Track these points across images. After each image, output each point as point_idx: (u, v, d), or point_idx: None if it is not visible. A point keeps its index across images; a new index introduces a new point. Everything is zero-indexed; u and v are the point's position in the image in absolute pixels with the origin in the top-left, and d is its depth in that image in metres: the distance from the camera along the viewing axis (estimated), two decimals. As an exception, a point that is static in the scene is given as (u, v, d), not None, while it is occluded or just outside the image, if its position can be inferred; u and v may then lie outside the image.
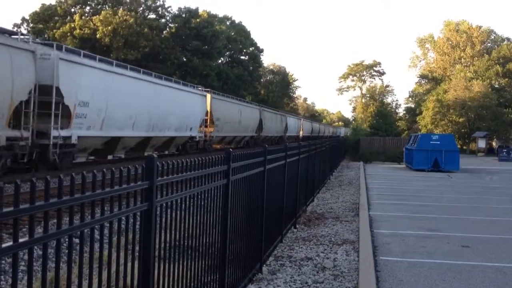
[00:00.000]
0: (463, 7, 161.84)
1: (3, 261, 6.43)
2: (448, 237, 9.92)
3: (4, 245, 2.09)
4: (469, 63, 71.30)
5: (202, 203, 4.64)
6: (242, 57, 74.89)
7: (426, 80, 76.37)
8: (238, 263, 5.98)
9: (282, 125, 59.00)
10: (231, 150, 5.52)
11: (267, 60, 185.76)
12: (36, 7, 61.35)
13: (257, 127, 48.20)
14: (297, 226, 10.93)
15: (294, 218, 10.79)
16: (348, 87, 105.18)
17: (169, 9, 62.78)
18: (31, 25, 54.39)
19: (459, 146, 40.51)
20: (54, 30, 52.30)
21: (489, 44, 73.41)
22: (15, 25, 54.27)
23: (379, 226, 10.90)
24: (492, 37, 73.87)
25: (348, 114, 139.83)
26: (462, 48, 71.82)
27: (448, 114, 57.63)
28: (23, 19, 55.21)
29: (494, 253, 8.67)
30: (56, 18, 54.63)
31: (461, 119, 57.99)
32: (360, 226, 10.55)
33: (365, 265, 7.37)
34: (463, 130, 59.43)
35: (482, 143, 53.67)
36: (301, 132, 71.63)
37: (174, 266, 3.95)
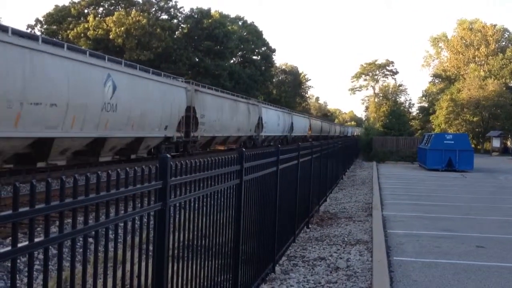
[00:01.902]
0: (476, 5, 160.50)
1: (19, 260, 6.50)
2: (462, 237, 9.84)
3: (20, 245, 2.10)
4: (483, 62, 70.66)
5: (215, 203, 4.64)
6: (254, 57, 74.89)
7: (440, 79, 75.83)
8: (251, 262, 5.98)
9: (287, 124, 52.85)
10: (244, 150, 5.52)
11: (279, 60, 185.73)
12: (50, 9, 61.84)
13: (256, 126, 42.10)
14: (310, 226, 10.91)
15: (307, 218, 10.77)
16: (360, 87, 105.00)
17: (181, 9, 62.97)
18: (45, 26, 54.87)
19: (473, 146, 40.18)
20: (68, 31, 52.72)
21: (503, 43, 72.72)
22: (29, 26, 54.83)
23: (392, 226, 10.84)
24: (506, 35, 73.18)
25: (361, 113, 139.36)
26: (476, 47, 71.20)
27: (462, 114, 57.19)
28: (37, 20, 55.73)
29: (509, 254, 8.58)
30: (70, 19, 55.06)
31: (475, 119, 57.51)
32: (374, 226, 10.50)
33: (379, 265, 7.34)
34: (477, 130, 58.93)
35: (496, 143, 53.16)
36: (309, 132, 65.73)
37: (187, 266, 3.96)
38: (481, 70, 65.50)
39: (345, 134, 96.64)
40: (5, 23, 19.59)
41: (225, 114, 34.82)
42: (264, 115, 44.98)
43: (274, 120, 49.20)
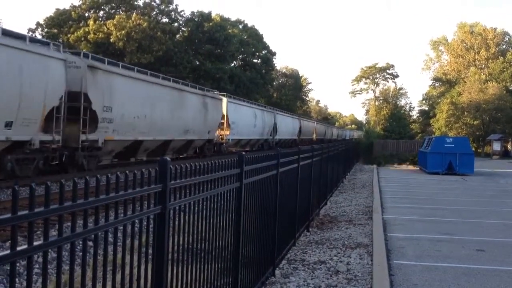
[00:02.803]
0: (476, 9, 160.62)
1: (18, 264, 6.49)
2: (463, 241, 9.83)
3: (19, 248, 2.10)
4: (483, 65, 70.70)
5: (215, 206, 4.64)
6: (255, 60, 74.97)
7: (440, 83, 75.85)
8: (251, 266, 5.97)
9: (267, 125, 53.68)
10: (243, 153, 5.52)
11: (280, 63, 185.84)
12: (51, 12, 61.92)
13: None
14: (310, 229, 10.90)
15: (307, 221, 10.76)
16: (361, 90, 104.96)
17: (182, 13, 63.02)
18: (46, 29, 54.96)
19: (473, 149, 40.14)
20: (69, 35, 52.79)
21: (503, 46, 72.76)
22: (30, 30, 54.93)
23: (393, 230, 10.83)
24: (506, 39, 73.22)
25: (361, 117, 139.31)
26: (476, 50, 71.24)
27: (463, 117, 57.19)
28: (38, 24, 55.84)
29: (510, 257, 8.56)
30: (70, 22, 55.14)
31: (475, 122, 57.50)
32: (374, 230, 10.49)
33: (379, 268, 7.33)
34: (477, 133, 58.91)
35: (497, 146, 53.12)
36: (314, 135, 69.77)
37: (187, 269, 3.95)
38: (482, 74, 65.49)
39: (343, 138, 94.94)
40: (5, 26, 19.63)
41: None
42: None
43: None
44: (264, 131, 44.99)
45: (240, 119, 37.91)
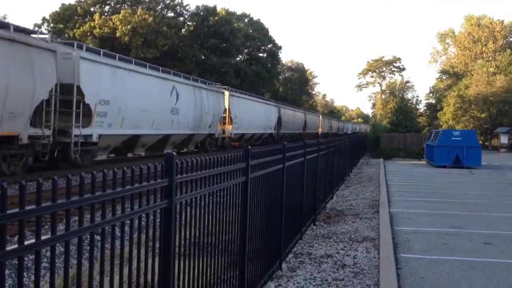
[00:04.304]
0: (483, 1, 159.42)
1: (26, 258, 6.53)
2: (470, 234, 9.80)
3: (27, 243, 2.12)
4: (491, 58, 70.18)
5: (221, 201, 4.65)
6: (260, 54, 74.83)
7: (447, 76, 75.42)
8: (258, 260, 5.98)
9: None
10: (249, 147, 5.52)
11: (286, 57, 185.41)
12: (57, 7, 62.02)
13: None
14: (317, 223, 10.90)
15: (313, 215, 10.76)
16: (367, 83, 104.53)
17: (187, 7, 62.89)
18: (52, 25, 55.06)
19: (481, 142, 39.93)
20: (74, 30, 52.87)
21: (511, 39, 72.19)
22: (36, 25, 55.04)
23: (399, 223, 10.81)
24: (514, 31, 72.64)
25: (368, 110, 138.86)
26: (484, 43, 70.73)
27: (470, 110, 56.84)
28: (44, 19, 55.96)
29: (517, 250, 8.54)
30: (76, 17, 55.21)
31: (483, 115, 57.16)
32: (381, 223, 10.47)
33: (386, 262, 7.32)
34: (485, 126, 58.58)
35: (504, 139, 52.79)
36: (320, 129, 69.10)
37: (194, 263, 3.97)
38: (489, 66, 65.01)
39: (345, 132, 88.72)
40: (12, 22, 19.39)
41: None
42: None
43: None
44: (268, 125, 44.55)
45: (243, 113, 37.25)
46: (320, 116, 74.11)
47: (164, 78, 25.21)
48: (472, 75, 63.50)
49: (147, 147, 24.61)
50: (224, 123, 34.01)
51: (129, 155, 23.91)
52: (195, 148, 30.90)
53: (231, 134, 35.02)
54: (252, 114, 39.54)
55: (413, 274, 6.97)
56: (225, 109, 33.73)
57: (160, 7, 60.00)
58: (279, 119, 47.48)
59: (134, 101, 21.55)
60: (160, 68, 26.13)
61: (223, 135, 33.62)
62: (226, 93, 34.63)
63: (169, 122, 25.20)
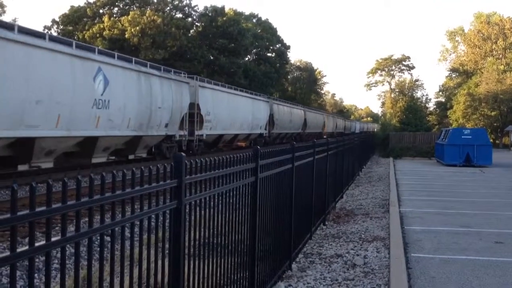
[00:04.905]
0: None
1: (37, 259, 6.58)
2: (481, 233, 9.74)
3: (37, 244, 2.13)
4: (501, 55, 69.69)
5: (231, 201, 4.65)
6: (269, 54, 74.75)
7: (457, 74, 75.00)
8: (268, 260, 5.98)
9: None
10: (258, 147, 5.52)
11: (294, 56, 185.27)
12: (66, 9, 62.36)
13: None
14: (326, 223, 10.88)
15: (323, 215, 10.74)
16: (376, 82, 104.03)
17: (195, 8, 63.07)
18: (61, 27, 55.38)
19: (491, 140, 39.68)
20: (84, 32, 53.17)
21: (521, 36, 71.63)
22: (46, 27, 55.38)
23: (410, 223, 10.76)
24: (524, 28, 72.03)
25: (377, 109, 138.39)
26: (493, 40, 70.24)
27: (480, 108, 56.48)
28: (53, 21, 56.28)
29: (529, 249, 8.47)
30: (85, 19, 55.49)
31: (493, 113, 56.78)
32: (391, 223, 10.43)
33: (396, 262, 7.29)
34: (495, 124, 58.18)
35: (515, 137, 52.43)
36: (324, 128, 61.86)
37: (203, 264, 3.97)
38: (499, 64, 64.53)
39: (352, 131, 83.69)
40: (21, 24, 18.94)
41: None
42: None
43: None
44: (256, 124, 36.62)
45: (220, 109, 29.45)
46: (324, 114, 67.59)
47: (81, 57, 17.07)
48: (482, 73, 63.06)
49: (56, 155, 16.97)
50: (192, 122, 26.25)
51: (21, 167, 15.42)
52: (148, 155, 23.47)
53: (202, 135, 27.13)
54: (233, 111, 31.64)
55: (423, 274, 6.94)
56: (193, 104, 25.98)
57: (168, 8, 60.17)
58: (271, 116, 40.32)
59: (18, 87, 14.06)
60: (74, 42, 18.04)
61: (190, 137, 25.90)
62: (193, 83, 26.76)
63: (91, 119, 17.47)
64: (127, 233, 3.11)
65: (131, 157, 21.56)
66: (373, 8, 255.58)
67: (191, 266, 3.73)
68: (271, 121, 40.52)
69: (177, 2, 60.78)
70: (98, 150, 18.71)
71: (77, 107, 16.62)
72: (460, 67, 74.11)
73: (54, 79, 15.54)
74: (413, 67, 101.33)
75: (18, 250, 2.02)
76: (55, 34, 49.60)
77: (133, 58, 22.15)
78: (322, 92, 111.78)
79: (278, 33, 76.34)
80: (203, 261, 3.97)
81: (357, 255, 8.06)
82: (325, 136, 51.67)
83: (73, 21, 55.28)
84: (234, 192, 4.74)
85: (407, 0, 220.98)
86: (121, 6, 58.62)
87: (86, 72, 17.31)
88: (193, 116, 26.22)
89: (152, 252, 3.21)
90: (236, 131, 33.08)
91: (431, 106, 77.46)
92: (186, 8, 61.60)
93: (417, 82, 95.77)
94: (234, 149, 35.04)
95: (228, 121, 31.14)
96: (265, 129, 39.26)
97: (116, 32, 52.20)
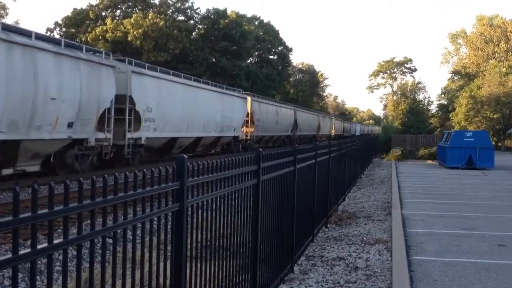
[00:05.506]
0: (495, 1, 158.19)
1: (39, 262, 6.58)
2: (483, 236, 9.71)
3: (39, 247, 2.13)
4: (503, 58, 69.61)
5: (233, 203, 4.65)
6: (271, 57, 74.76)
7: (459, 76, 74.93)
8: (270, 262, 5.97)
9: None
10: (260, 150, 5.52)
11: (296, 59, 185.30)
12: (68, 12, 62.53)
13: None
14: (329, 225, 10.87)
15: (325, 217, 10.73)
16: (378, 85, 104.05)
17: (197, 10, 63.07)
18: (64, 29, 55.50)
19: (493, 143, 39.62)
20: (87, 34, 53.27)
21: (524, 38, 71.52)
22: (48, 29, 55.49)
23: (412, 225, 10.74)
24: (527, 31, 71.92)
25: (379, 112, 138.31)
26: (496, 43, 70.17)
27: (482, 111, 56.45)
28: (56, 24, 56.41)
29: (532, 252, 8.44)
30: (88, 22, 55.60)
31: (495, 115, 56.73)
32: (393, 225, 10.41)
33: (399, 264, 7.27)
34: (497, 127, 58.12)
35: (517, 140, 52.37)
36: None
37: (205, 266, 3.97)
38: (502, 66, 64.46)
39: (352, 134, 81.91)
40: (24, 26, 20.30)
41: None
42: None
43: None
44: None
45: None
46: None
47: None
48: (484, 75, 63.05)
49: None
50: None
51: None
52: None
53: (139, 139, 24.04)
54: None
55: (426, 277, 6.92)
56: (122, 96, 22.47)
57: (171, 10, 60.25)
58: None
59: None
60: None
61: (118, 141, 23.08)
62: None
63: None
64: (129, 235, 3.10)
65: (7, 171, 14.68)
66: (375, 11, 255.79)
67: (193, 269, 3.72)
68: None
69: (179, 5, 60.86)
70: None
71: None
72: (462, 70, 74.05)
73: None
74: (415, 70, 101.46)
75: (20, 252, 2.02)
76: (57, 36, 49.69)
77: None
78: (324, 94, 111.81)
79: (280, 36, 76.44)
80: (205, 264, 3.97)
81: (359, 258, 8.05)
82: (324, 139, 52.51)
83: (75, 23, 55.41)
84: (236, 195, 4.74)
85: (409, 2, 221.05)
86: (123, 8, 58.76)
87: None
88: (123, 113, 20.32)
89: (154, 254, 3.21)
90: (197, 133, 27.19)
91: (433, 108, 77.55)
92: (188, 10, 61.69)
93: (419, 85, 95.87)
94: (201, 156, 29.90)
95: (183, 120, 25.10)
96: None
97: (119, 34, 52.30)
